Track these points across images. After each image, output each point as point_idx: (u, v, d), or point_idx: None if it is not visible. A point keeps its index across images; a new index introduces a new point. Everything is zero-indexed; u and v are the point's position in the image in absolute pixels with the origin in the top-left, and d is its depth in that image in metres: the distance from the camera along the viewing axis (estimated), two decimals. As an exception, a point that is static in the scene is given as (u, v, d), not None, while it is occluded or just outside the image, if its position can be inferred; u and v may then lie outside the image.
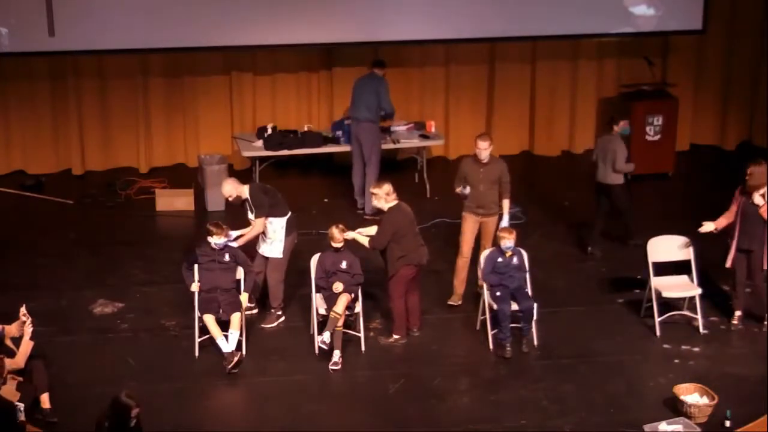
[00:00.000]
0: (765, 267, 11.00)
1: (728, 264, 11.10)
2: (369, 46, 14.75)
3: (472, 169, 11.32)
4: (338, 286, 10.53)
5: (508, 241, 10.69)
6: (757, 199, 10.82)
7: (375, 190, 10.73)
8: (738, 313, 11.22)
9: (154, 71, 14.70)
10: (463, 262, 11.43)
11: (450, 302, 11.50)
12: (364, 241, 10.77)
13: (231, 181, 11.19)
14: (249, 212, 11.09)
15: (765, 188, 10.79)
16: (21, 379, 9.48)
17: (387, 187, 10.66)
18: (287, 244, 11.07)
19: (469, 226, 11.39)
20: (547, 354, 10.75)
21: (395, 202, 10.70)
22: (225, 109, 14.99)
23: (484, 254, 10.93)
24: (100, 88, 14.67)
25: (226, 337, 10.44)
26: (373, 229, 10.85)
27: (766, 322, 11.17)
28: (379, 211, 10.83)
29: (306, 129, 14.47)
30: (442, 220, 13.39)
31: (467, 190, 11.29)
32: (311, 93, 15.16)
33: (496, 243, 10.87)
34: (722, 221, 11.10)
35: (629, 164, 12.57)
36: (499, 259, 10.76)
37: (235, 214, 11.87)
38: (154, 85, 14.76)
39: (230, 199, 11.12)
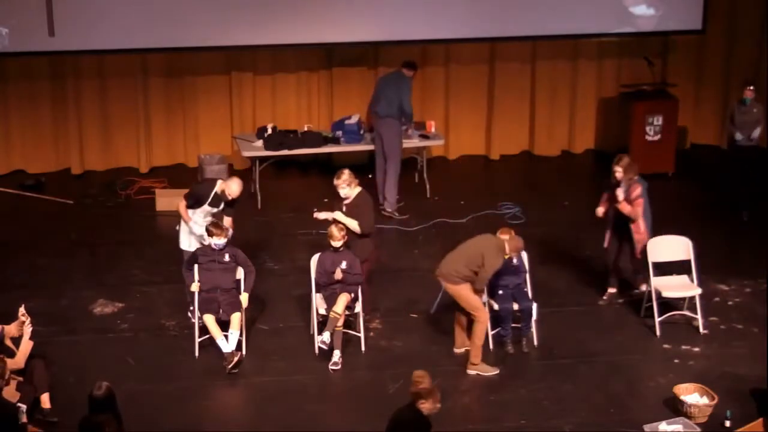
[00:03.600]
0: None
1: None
2: (369, 46, 14.77)
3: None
4: (338, 273, 10.54)
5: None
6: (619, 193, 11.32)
7: (336, 181, 10.84)
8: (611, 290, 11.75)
9: (154, 71, 14.70)
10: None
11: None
12: (352, 224, 10.78)
13: (241, 182, 11.19)
14: (217, 206, 11.11)
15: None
16: (21, 379, 9.48)
17: (347, 174, 10.80)
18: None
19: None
20: (547, 354, 10.76)
21: (359, 188, 10.87)
22: (225, 109, 14.99)
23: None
24: (100, 88, 14.67)
25: (226, 337, 10.44)
26: (344, 217, 10.84)
27: (766, 322, 11.18)
28: (354, 201, 10.85)
29: (306, 129, 14.47)
30: (442, 220, 13.40)
31: None
32: (311, 93, 15.16)
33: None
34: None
35: (737, 131, 13.35)
36: None
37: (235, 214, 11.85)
38: (154, 85, 14.76)
39: (231, 197, 11.10)
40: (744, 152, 13.42)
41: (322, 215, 10.95)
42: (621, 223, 11.37)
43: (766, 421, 9.30)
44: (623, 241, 11.45)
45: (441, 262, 10.53)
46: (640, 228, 11.24)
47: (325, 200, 14.07)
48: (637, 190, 11.19)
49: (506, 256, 10.37)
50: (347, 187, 10.83)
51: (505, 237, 10.41)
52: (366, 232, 10.82)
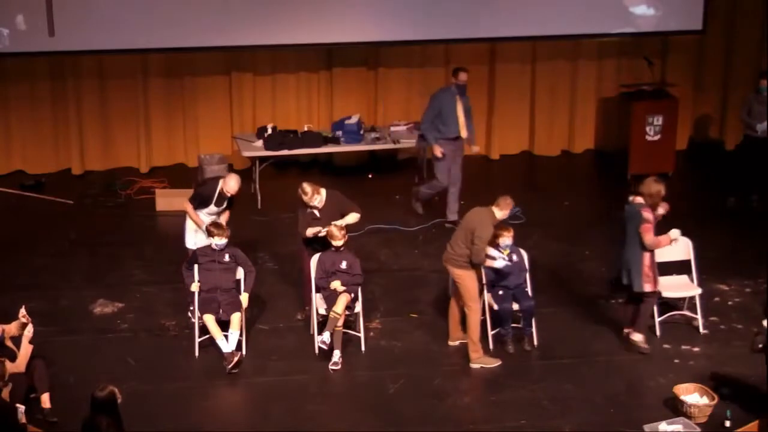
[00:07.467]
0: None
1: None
2: (369, 46, 14.77)
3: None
4: (337, 284, 10.54)
5: (507, 239, 10.69)
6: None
7: (306, 198, 10.77)
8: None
9: (154, 71, 14.70)
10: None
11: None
12: (353, 217, 10.85)
13: (238, 178, 11.24)
14: (221, 205, 11.20)
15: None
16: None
17: (308, 186, 10.77)
18: None
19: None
20: (547, 354, 10.75)
21: (323, 189, 10.85)
22: (225, 109, 14.99)
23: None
24: (100, 88, 14.67)
25: (226, 337, 10.44)
26: (352, 217, 10.91)
27: (766, 322, 11.17)
28: (329, 201, 10.84)
29: (306, 129, 14.47)
30: (442, 220, 13.40)
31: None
32: (311, 93, 15.16)
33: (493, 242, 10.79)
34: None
35: (752, 121, 13.58)
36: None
37: (234, 213, 11.87)
38: (154, 85, 14.76)
39: (230, 194, 11.16)
40: (759, 143, 13.54)
41: (311, 231, 10.94)
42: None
43: (762, 423, 9.29)
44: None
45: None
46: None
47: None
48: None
49: (497, 220, 10.36)
50: (318, 195, 10.84)
51: (496, 208, 10.35)
52: (360, 212, 10.90)
